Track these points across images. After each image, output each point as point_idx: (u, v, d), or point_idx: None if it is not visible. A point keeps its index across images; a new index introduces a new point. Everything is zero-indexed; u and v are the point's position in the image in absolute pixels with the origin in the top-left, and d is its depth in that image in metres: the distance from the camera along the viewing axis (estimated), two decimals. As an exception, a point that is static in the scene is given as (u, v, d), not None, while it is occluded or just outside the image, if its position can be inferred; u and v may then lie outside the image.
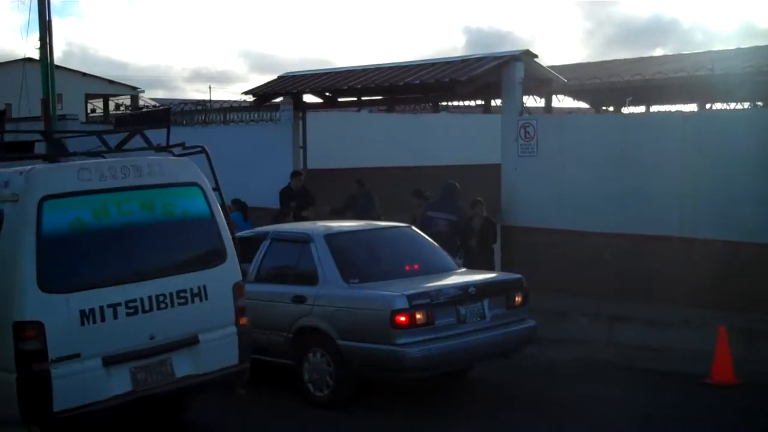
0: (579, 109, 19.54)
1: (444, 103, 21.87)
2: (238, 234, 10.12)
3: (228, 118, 20.03)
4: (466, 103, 23.38)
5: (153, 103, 30.72)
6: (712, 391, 8.58)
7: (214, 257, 7.14)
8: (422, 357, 7.54)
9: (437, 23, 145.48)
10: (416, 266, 8.74)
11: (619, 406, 8.26)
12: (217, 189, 7.48)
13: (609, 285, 11.56)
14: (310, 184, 15.26)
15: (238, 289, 7.23)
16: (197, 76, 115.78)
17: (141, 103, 30.13)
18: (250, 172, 17.39)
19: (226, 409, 8.38)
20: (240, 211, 15.06)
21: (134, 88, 43.96)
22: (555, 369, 9.66)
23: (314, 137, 16.88)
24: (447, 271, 8.83)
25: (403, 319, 7.48)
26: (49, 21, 19.51)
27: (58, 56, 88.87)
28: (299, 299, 8.28)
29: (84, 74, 43.81)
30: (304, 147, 16.70)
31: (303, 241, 8.66)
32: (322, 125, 17.96)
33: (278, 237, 9.11)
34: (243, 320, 7.21)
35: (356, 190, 14.65)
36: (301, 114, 16.67)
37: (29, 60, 23.28)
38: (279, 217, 13.89)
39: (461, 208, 12.42)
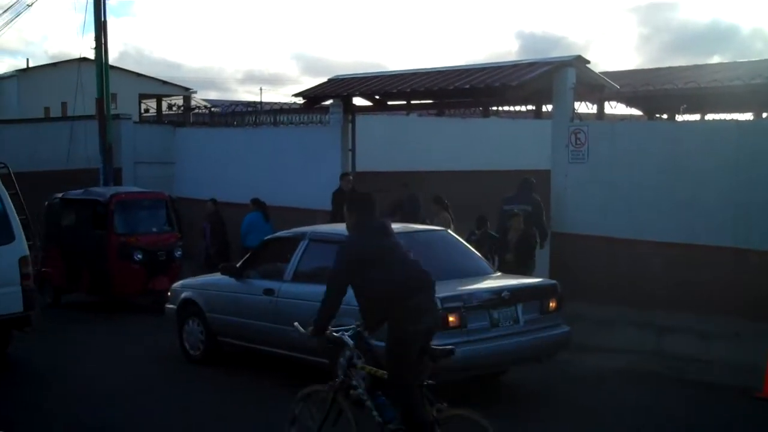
0: (631, 116, 19.31)
1: (494, 108, 21.75)
2: (275, 234, 10.26)
3: (278, 120, 20.16)
4: (517, 108, 23.22)
5: (205, 103, 31.03)
6: (763, 406, 8.39)
7: (2, 239, 10.11)
8: (454, 360, 7.35)
9: (490, 28, 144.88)
10: (451, 270, 8.72)
11: (661, 418, 8.12)
12: (16, 192, 11.47)
13: (658, 294, 11.39)
14: (359, 186, 15.28)
15: (23, 261, 10.22)
16: (249, 78, 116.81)
17: (193, 103, 30.45)
18: (299, 173, 17.51)
19: (266, 408, 8.44)
20: (260, 211, 15.25)
21: (187, 89, 44.47)
22: (598, 378, 9.54)
23: (363, 140, 16.91)
24: (482, 275, 8.86)
25: None
26: (104, 22, 19.86)
27: (114, 56, 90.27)
28: None
29: (138, 74, 44.49)
30: (353, 149, 16.74)
31: (340, 241, 8.66)
32: (371, 128, 17.99)
33: (316, 238, 9.17)
34: (27, 281, 10.23)
35: (402, 194, 14.64)
36: (350, 116, 16.71)
37: (84, 60, 23.71)
38: (334, 217, 13.99)
39: (536, 199, 12.64)
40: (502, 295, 8.06)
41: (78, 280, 14.97)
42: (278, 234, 10.31)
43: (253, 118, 21.18)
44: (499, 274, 9.22)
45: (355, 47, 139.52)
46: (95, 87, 19.95)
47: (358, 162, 16.77)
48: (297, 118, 19.33)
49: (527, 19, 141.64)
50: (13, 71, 44.31)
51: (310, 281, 8.83)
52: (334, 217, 14.09)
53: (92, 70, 20.42)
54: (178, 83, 46.31)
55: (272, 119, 20.52)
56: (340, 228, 9.64)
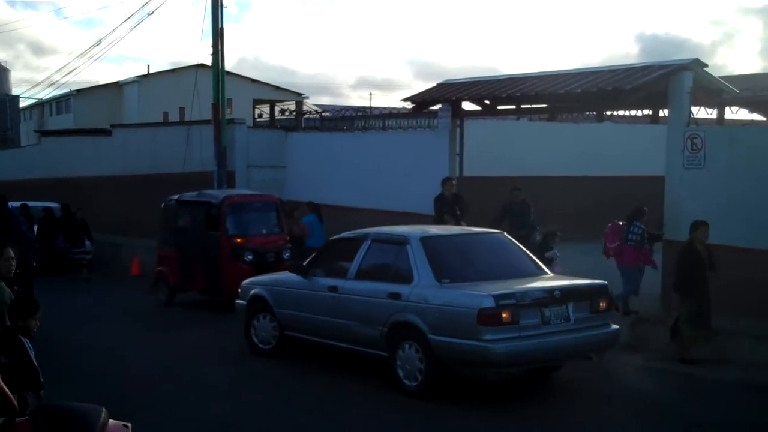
0: (753, 122, 18.55)
1: (608, 113, 21.29)
2: (341, 235, 10.49)
3: (387, 125, 20.28)
4: (632, 112, 22.67)
5: (316, 108, 31.51)
6: None
7: None
8: (506, 353, 8.00)
9: (609, 30, 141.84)
10: (506, 269, 9.21)
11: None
12: None
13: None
14: (466, 191, 15.19)
15: None
16: (362, 83, 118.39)
17: (305, 108, 30.99)
18: (407, 178, 17.53)
19: (323, 397, 8.71)
20: (315, 214, 15.66)
21: (299, 95, 45.33)
22: (713, 390, 9.18)
23: (472, 144, 16.80)
24: (535, 275, 9.26)
25: (489, 317, 7.95)
26: (221, 29, 20.41)
27: (233, 63, 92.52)
28: (394, 296, 8.80)
29: (253, 80, 45.60)
30: (461, 154, 16.64)
31: (400, 242, 9.20)
32: (479, 133, 17.87)
33: (378, 238, 9.66)
34: None
35: (512, 198, 14.45)
36: (458, 121, 16.62)
37: (202, 66, 24.42)
38: (437, 223, 13.91)
39: None
40: (554, 294, 8.38)
41: (191, 279, 15.35)
42: (343, 235, 10.68)
43: (362, 123, 21.38)
44: (551, 275, 9.53)
45: (468, 51, 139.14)
46: (211, 92, 20.53)
47: (465, 167, 16.66)
48: (405, 122, 19.41)
49: (649, 21, 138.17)
50: (134, 77, 46.08)
51: (371, 279, 9.37)
52: (436, 222, 14.00)
53: (209, 76, 21.02)
54: (291, 89, 47.27)
55: (381, 124, 20.66)
56: (401, 229, 10.24)
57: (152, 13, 23.04)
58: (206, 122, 21.54)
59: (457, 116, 16.55)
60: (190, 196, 15.97)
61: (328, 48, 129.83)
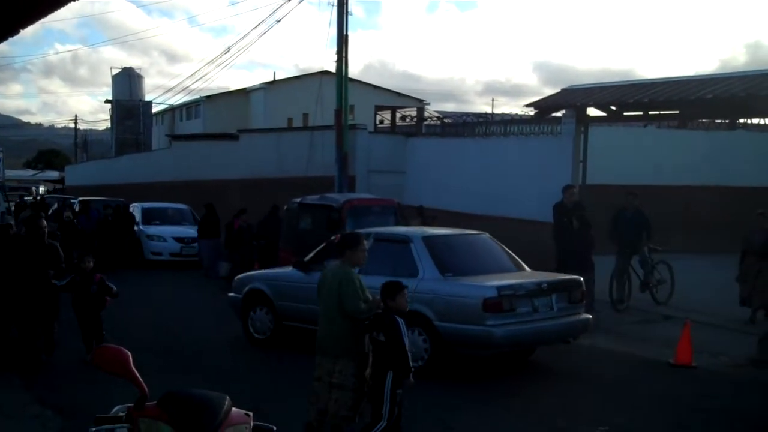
0: None
1: (742, 120, 20.48)
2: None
3: (508, 131, 20.09)
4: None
5: (437, 114, 31.56)
6: None
7: None
8: (506, 336, 9.11)
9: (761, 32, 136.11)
10: (493, 265, 10.27)
11: None
12: None
13: None
14: (589, 199, 14.85)
15: None
16: (489, 90, 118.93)
17: (426, 114, 31.06)
18: (527, 184, 17.31)
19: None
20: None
21: (420, 101, 45.49)
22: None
23: (596, 151, 16.43)
24: (518, 270, 10.34)
25: (492, 305, 9.03)
26: (345, 36, 20.70)
27: (358, 69, 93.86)
28: None
29: (375, 87, 46.07)
30: (584, 161, 16.30)
31: (403, 241, 10.21)
32: (604, 139, 17.49)
33: (380, 237, 10.43)
34: None
35: (626, 203, 13.93)
36: (583, 127, 16.30)
37: (326, 73, 24.85)
38: (557, 233, 13.54)
39: None
40: (542, 286, 9.53)
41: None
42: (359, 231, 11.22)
43: (484, 129, 21.25)
44: (530, 271, 10.44)
45: (601, 54, 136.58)
46: (335, 98, 20.85)
47: (589, 174, 16.31)
48: (528, 128, 19.16)
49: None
50: (261, 84, 47.30)
51: (374, 273, 9.79)
52: (555, 230, 13.65)
53: (333, 83, 21.35)
54: (415, 95, 47.53)
55: (503, 130, 20.48)
56: (403, 229, 11.05)
57: (281, 20, 23.58)
58: (329, 128, 21.88)
59: (581, 122, 16.23)
60: (311, 199, 16.23)
61: (455, 55, 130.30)
